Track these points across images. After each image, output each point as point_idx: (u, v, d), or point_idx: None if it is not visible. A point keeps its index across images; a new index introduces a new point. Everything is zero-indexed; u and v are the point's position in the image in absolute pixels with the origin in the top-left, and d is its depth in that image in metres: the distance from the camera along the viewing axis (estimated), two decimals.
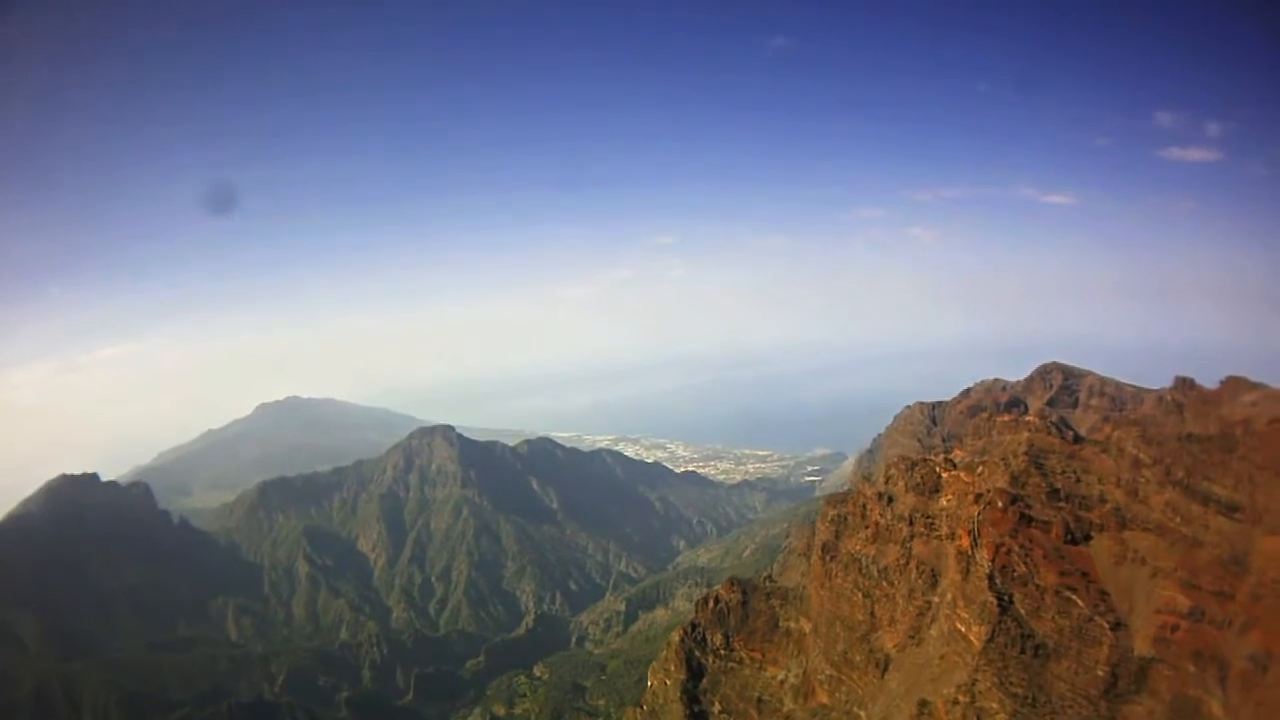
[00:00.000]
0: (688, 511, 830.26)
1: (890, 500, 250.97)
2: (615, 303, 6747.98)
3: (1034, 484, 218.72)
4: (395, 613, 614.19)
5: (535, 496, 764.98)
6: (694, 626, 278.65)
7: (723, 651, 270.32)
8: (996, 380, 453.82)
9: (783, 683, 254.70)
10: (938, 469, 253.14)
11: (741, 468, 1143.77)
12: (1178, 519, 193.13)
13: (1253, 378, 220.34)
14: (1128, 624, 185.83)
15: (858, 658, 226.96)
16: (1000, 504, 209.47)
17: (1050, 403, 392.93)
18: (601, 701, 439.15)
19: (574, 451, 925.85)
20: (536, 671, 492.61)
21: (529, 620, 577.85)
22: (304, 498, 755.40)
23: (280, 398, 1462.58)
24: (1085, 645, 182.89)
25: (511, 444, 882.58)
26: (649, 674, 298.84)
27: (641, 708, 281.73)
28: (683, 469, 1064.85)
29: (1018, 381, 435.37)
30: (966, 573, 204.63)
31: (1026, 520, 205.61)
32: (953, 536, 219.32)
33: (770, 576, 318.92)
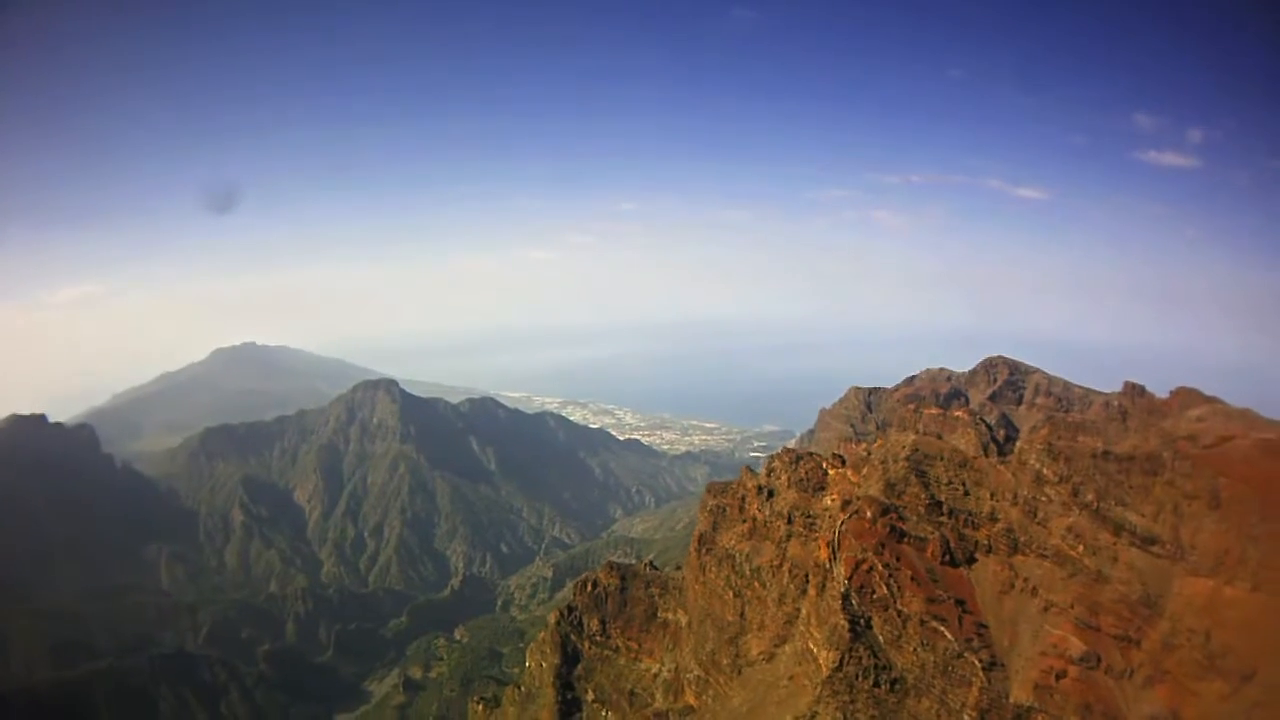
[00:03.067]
0: (627, 480, 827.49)
1: (771, 495, 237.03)
2: (576, 267, 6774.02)
3: (913, 494, 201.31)
4: (326, 566, 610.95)
5: (474, 456, 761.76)
6: (570, 610, 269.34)
7: (599, 638, 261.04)
8: (942, 370, 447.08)
9: (656, 676, 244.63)
10: (824, 465, 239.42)
11: (687, 439, 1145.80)
12: (1081, 548, 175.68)
13: (1215, 388, 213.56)
14: (1005, 664, 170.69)
15: (724, 661, 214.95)
16: (868, 514, 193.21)
17: (993, 397, 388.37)
18: (515, 669, 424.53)
19: (517, 413, 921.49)
20: (457, 634, 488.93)
21: (455, 582, 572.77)
22: (245, 446, 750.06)
23: (237, 343, 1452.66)
24: (951, 685, 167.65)
25: (457, 401, 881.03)
26: (527, 654, 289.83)
27: (519, 688, 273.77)
28: (628, 436, 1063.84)
29: (963, 373, 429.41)
30: (822, 588, 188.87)
31: (898, 535, 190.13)
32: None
33: (652, 563, 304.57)
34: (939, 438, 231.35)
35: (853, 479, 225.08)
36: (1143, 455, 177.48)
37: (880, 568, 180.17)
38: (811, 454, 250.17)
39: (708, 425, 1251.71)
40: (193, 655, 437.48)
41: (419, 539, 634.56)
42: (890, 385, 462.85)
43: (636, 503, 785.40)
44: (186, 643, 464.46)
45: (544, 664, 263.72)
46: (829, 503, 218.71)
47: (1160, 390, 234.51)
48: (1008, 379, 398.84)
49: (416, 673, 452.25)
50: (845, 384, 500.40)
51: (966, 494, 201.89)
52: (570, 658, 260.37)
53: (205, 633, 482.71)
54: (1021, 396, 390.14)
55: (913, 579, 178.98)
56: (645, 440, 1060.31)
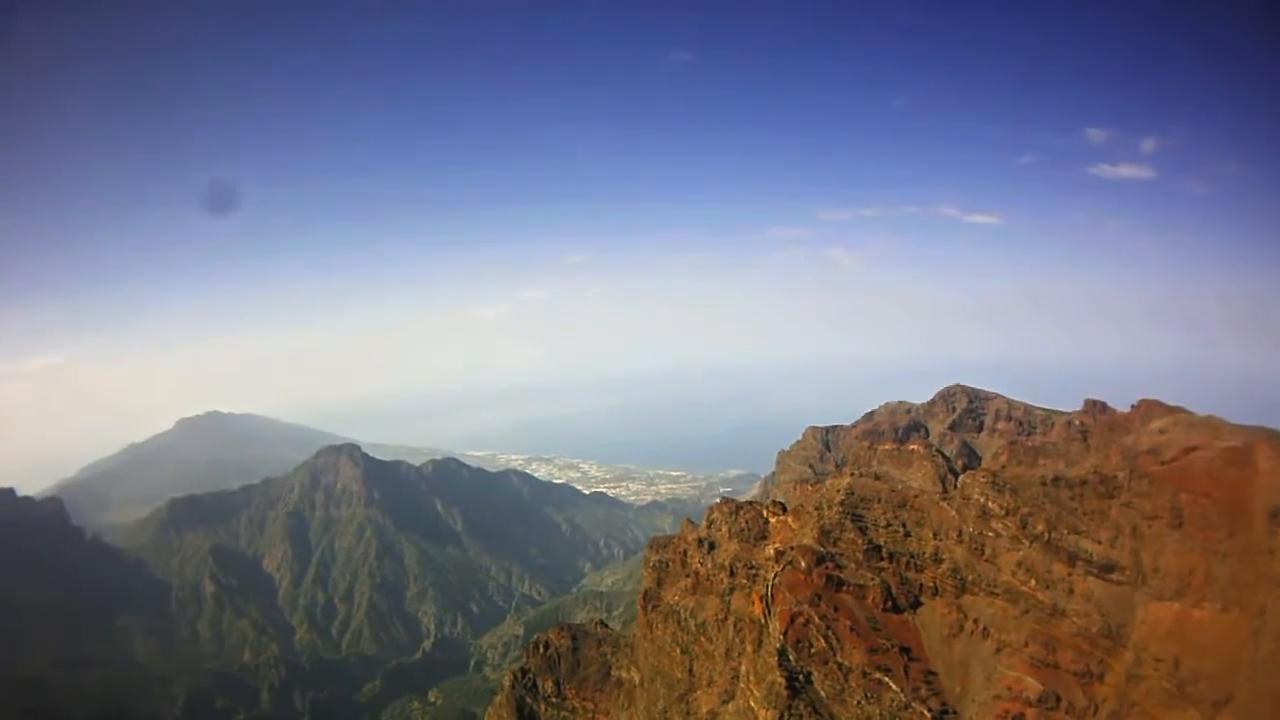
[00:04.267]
0: (594, 533, 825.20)
1: (712, 547, 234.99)
2: (528, 322, 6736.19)
3: (849, 540, 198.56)
4: (298, 634, 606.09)
5: (439, 517, 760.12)
6: (525, 672, 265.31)
7: (554, 699, 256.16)
8: (901, 402, 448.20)
9: None
10: (765, 513, 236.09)
11: (653, 488, 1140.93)
12: (1033, 582, 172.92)
13: (1185, 397, 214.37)
14: (958, 712, 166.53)
15: (676, 718, 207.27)
16: (803, 564, 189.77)
17: (953, 426, 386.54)
18: None
19: (480, 472, 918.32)
20: (431, 697, 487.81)
21: (427, 644, 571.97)
22: (212, 516, 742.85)
23: (201, 412, 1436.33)
24: None
25: (420, 463, 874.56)
26: (486, 717, 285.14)
27: None
28: (594, 489, 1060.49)
29: (921, 404, 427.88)
30: (759, 644, 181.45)
31: (835, 584, 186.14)
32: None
33: (603, 621, 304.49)
34: (877, 478, 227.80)
35: (794, 526, 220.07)
36: (1096, 478, 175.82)
37: (817, 620, 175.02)
38: (751, 503, 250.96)
39: (673, 474, 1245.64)
40: None
41: (389, 602, 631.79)
42: (850, 422, 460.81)
43: (605, 556, 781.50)
44: (163, 714, 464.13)
45: None
46: (771, 551, 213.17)
47: (1129, 403, 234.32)
48: (967, 407, 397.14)
49: None
50: (805, 424, 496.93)
51: (908, 535, 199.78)
52: None
53: (181, 704, 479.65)
54: (982, 424, 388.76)
55: (852, 629, 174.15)
56: (611, 492, 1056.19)
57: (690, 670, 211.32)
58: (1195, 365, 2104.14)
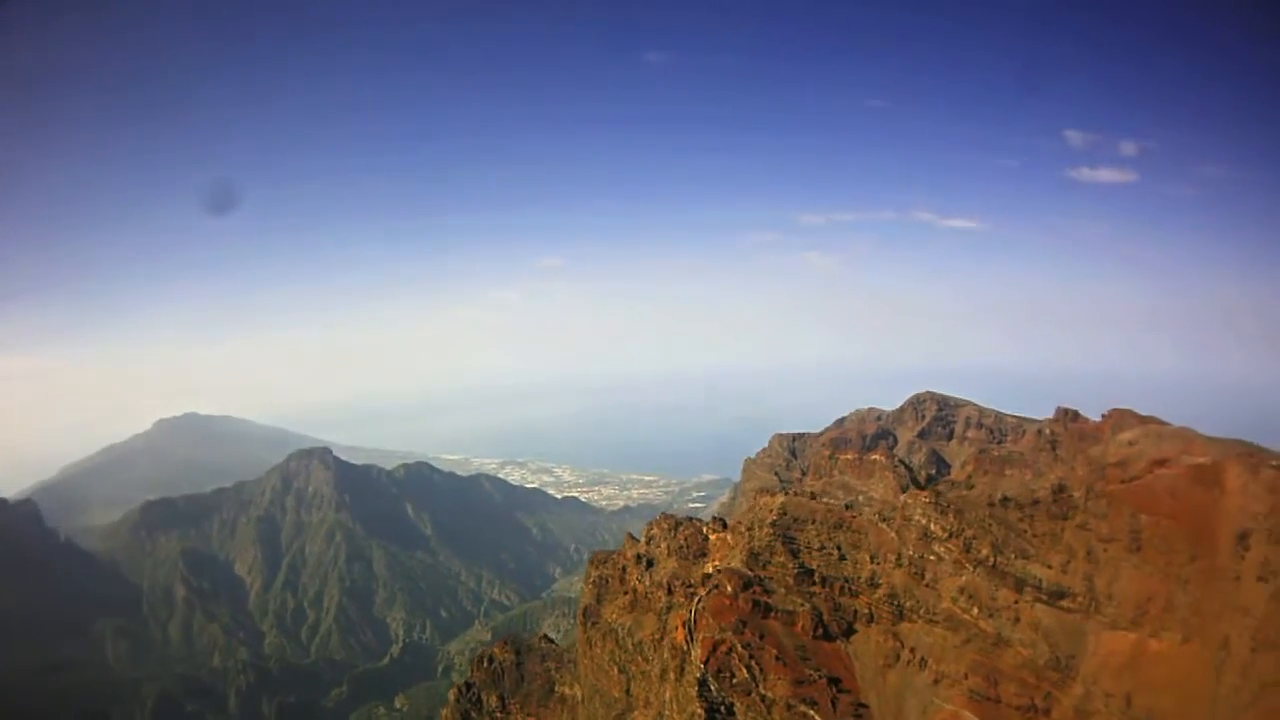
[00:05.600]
0: (565, 538, 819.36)
1: (650, 564, 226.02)
2: (503, 325, 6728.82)
3: (780, 563, 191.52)
4: (268, 638, 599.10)
5: (410, 522, 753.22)
6: (469, 686, 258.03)
7: (499, 714, 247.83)
8: (871, 409, 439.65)
9: None
10: (705, 530, 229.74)
11: (625, 493, 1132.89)
12: (976, 610, 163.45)
13: (1162, 406, 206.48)
14: None
15: None
16: (729, 588, 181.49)
17: (922, 434, 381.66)
18: None
19: (451, 476, 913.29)
20: (397, 703, 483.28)
21: (395, 650, 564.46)
22: (185, 519, 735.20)
23: (179, 414, 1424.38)
24: None
25: (392, 467, 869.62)
26: None
27: None
28: (566, 494, 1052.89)
29: (891, 411, 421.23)
30: (680, 673, 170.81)
31: (763, 610, 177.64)
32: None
33: (547, 636, 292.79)
34: (813, 496, 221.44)
35: (732, 544, 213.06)
36: (1048, 498, 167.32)
37: (740, 648, 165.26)
38: (690, 519, 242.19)
39: (646, 478, 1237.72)
40: None
41: (358, 607, 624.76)
42: (819, 429, 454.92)
43: (575, 561, 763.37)
44: (133, 719, 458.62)
45: None
46: (710, 569, 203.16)
47: (1106, 410, 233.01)
48: (937, 414, 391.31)
49: None
50: (788, 427, 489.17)
51: (843, 558, 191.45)
52: None
53: (150, 708, 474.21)
54: (952, 431, 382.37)
55: (778, 658, 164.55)
56: (584, 497, 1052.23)
57: (628, 690, 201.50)
58: (1178, 370, 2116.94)
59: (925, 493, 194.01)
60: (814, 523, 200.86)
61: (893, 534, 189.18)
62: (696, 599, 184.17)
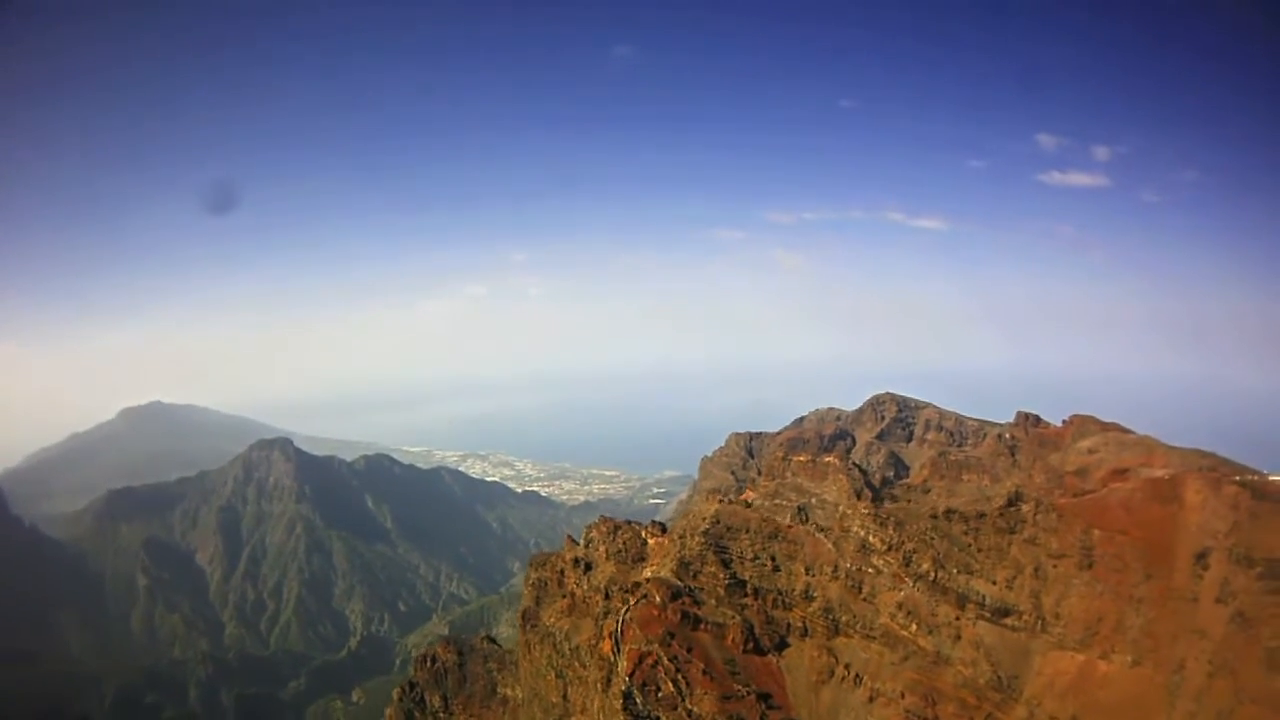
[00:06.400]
0: (525, 532, 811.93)
1: (589, 568, 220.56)
2: (471, 319, 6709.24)
3: (710, 573, 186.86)
4: (228, 629, 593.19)
5: (369, 514, 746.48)
6: (412, 686, 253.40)
7: (442, 715, 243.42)
8: (831, 409, 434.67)
9: None
10: (644, 534, 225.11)
11: (586, 488, 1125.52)
12: (914, 626, 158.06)
13: (1131, 410, 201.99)
14: None
15: None
16: (658, 598, 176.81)
17: (881, 435, 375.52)
18: None
19: (412, 469, 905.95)
20: (354, 697, 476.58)
21: (353, 642, 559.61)
22: (148, 508, 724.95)
23: (144, 402, 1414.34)
24: None
25: (353, 459, 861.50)
26: None
27: None
28: (527, 488, 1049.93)
29: (851, 412, 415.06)
30: (607, 684, 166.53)
31: (692, 621, 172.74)
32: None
33: (489, 636, 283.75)
34: (747, 505, 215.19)
35: (668, 550, 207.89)
36: (995, 512, 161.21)
37: (666, 661, 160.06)
38: (630, 523, 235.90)
39: (608, 474, 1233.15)
40: None
41: (317, 599, 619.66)
42: (778, 429, 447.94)
43: (536, 554, 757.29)
44: (92, 711, 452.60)
45: None
46: (649, 574, 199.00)
47: (1068, 416, 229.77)
48: (896, 416, 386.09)
49: None
50: (748, 426, 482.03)
51: (777, 569, 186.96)
52: None
53: (110, 701, 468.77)
54: (912, 433, 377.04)
55: (705, 672, 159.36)
56: (544, 491, 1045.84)
57: (565, 696, 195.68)
58: (1146, 375, 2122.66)
59: (864, 503, 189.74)
60: (748, 532, 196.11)
61: (830, 545, 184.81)
62: (624, 609, 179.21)
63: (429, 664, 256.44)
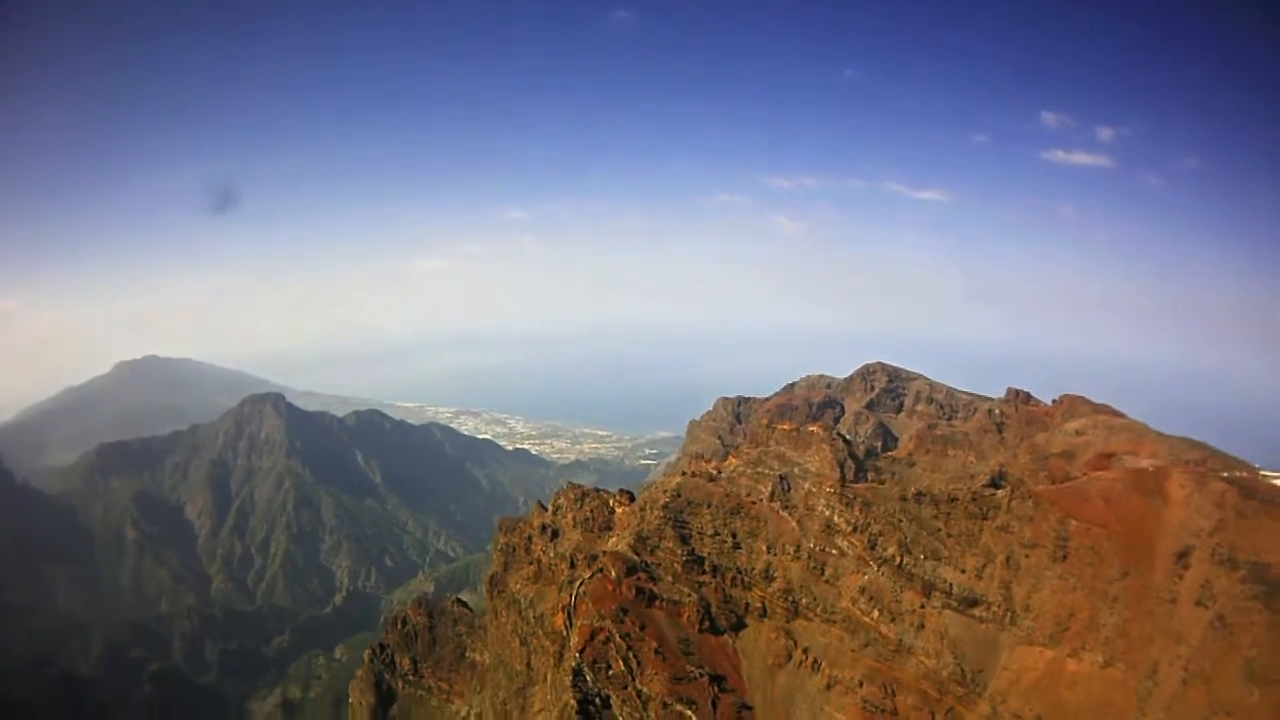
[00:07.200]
0: (514, 490, 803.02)
1: (556, 535, 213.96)
2: (469, 276, 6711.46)
3: (668, 548, 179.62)
4: (215, 583, 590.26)
5: (359, 469, 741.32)
6: (383, 648, 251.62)
7: (411, 677, 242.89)
8: (822, 376, 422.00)
9: None
10: (611, 503, 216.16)
11: (577, 447, 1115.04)
12: (877, 612, 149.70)
13: (1124, 392, 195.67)
14: None
15: (515, 712, 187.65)
16: (614, 573, 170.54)
17: (870, 405, 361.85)
18: None
19: (402, 425, 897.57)
20: (337, 653, 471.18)
21: (338, 598, 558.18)
22: (140, 462, 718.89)
23: (139, 356, 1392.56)
24: None
25: (344, 414, 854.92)
26: (350, 689, 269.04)
27: None
28: (518, 445, 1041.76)
29: (841, 380, 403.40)
30: (559, 659, 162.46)
31: (647, 598, 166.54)
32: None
33: (460, 600, 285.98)
34: (711, 478, 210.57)
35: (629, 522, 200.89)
36: (968, 495, 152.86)
37: (618, 639, 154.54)
38: (598, 490, 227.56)
39: (599, 433, 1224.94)
40: (81, 679, 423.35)
41: (305, 554, 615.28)
42: (769, 394, 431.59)
43: (523, 513, 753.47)
44: (78, 664, 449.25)
45: (362, 702, 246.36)
46: (614, 543, 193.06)
47: (1058, 395, 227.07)
48: (886, 386, 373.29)
49: (295, 693, 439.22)
50: (743, 390, 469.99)
51: (737, 547, 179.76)
52: (385, 696, 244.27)
53: (97, 653, 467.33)
54: (901, 404, 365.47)
55: (658, 652, 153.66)
56: (535, 449, 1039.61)
57: (528, 664, 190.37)
58: (1142, 357, 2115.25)
59: (831, 480, 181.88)
60: (709, 506, 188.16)
61: (794, 524, 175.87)
62: (578, 582, 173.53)
63: (400, 626, 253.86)
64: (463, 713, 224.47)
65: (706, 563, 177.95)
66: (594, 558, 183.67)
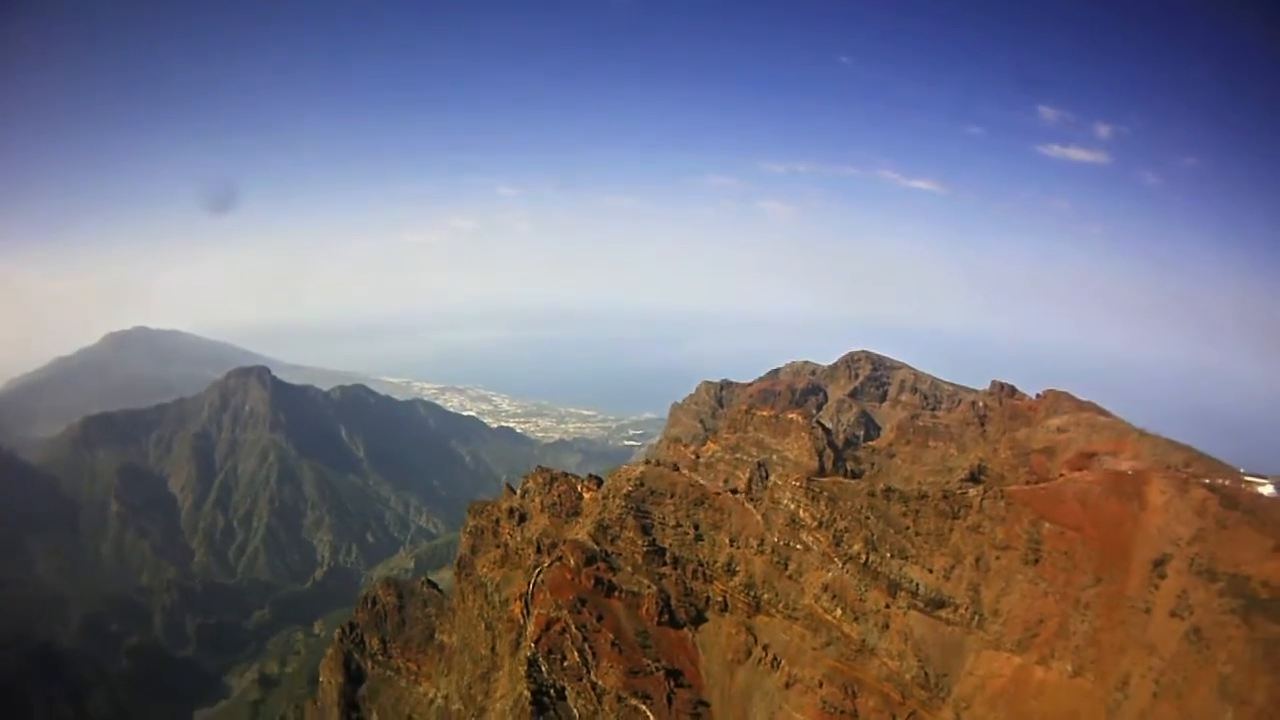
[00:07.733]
0: (498, 468, 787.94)
1: (523, 519, 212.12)
2: (458, 252, 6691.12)
3: (629, 539, 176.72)
4: (197, 556, 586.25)
5: (343, 444, 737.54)
6: (353, 627, 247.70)
7: (380, 657, 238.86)
8: (807, 363, 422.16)
9: (432, 703, 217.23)
10: (579, 488, 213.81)
11: (562, 426, 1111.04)
12: (840, 611, 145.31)
13: (1112, 389, 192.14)
14: None
15: (479, 697, 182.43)
16: (572, 562, 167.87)
17: (854, 393, 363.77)
18: None
19: (387, 400, 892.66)
20: (316, 629, 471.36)
21: (318, 573, 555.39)
22: (125, 434, 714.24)
23: (128, 327, 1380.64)
24: None
25: (329, 389, 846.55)
26: (320, 668, 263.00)
27: (315, 703, 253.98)
28: (503, 423, 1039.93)
29: (825, 367, 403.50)
30: (515, 648, 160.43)
31: (606, 588, 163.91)
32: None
33: (430, 581, 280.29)
34: (675, 468, 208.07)
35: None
36: (938, 492, 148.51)
37: (574, 630, 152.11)
38: (566, 475, 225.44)
39: (585, 412, 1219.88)
40: (60, 652, 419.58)
41: (286, 529, 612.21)
42: (752, 379, 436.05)
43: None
44: (58, 637, 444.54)
45: (331, 681, 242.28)
46: (576, 532, 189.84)
47: (1042, 390, 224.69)
48: (870, 375, 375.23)
49: (273, 668, 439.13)
50: (730, 372, 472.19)
51: (700, 539, 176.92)
52: (355, 676, 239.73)
53: (77, 626, 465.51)
54: (885, 393, 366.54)
55: (614, 644, 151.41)
56: (520, 428, 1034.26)
57: (493, 649, 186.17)
58: (1131, 354, 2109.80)
59: (797, 475, 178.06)
60: (673, 497, 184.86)
61: (759, 517, 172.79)
62: (536, 570, 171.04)
63: (370, 605, 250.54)
64: (430, 695, 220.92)
65: (668, 554, 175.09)
66: (552, 546, 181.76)
